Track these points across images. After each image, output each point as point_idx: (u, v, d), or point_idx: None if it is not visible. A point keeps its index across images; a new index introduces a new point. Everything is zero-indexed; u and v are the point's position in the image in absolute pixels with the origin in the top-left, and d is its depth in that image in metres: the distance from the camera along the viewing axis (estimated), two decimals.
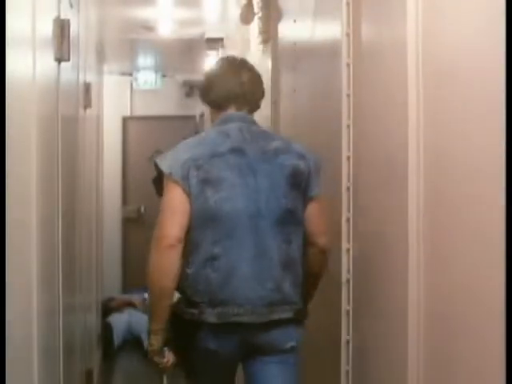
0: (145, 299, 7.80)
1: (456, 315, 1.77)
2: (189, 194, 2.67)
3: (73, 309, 3.78)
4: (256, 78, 2.91)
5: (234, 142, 2.75)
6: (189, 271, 2.68)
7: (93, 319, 5.95)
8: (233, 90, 2.85)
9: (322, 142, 3.16)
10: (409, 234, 2.02)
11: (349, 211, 2.71)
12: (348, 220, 2.71)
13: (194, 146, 2.76)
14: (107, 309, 7.68)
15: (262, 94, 2.92)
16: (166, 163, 2.72)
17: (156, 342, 2.76)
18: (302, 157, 2.76)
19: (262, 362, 2.74)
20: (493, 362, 1.54)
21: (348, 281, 2.72)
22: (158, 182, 2.77)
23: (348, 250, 2.71)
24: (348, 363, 2.73)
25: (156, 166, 2.75)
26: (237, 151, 2.73)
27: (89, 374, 4.99)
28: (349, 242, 2.71)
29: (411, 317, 2.02)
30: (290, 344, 2.73)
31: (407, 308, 2.03)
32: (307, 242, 2.77)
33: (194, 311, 2.67)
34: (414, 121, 2.01)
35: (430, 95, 1.94)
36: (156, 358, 2.79)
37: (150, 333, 2.77)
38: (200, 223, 2.68)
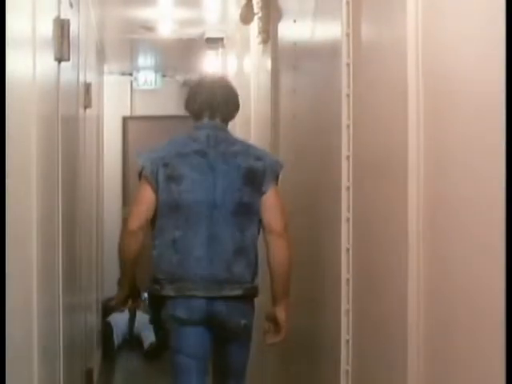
0: (145, 299, 7.80)
1: (456, 315, 1.78)
2: (155, 188, 3.27)
3: (73, 308, 3.78)
4: (230, 93, 3.46)
5: (199, 145, 3.31)
6: (154, 253, 3.29)
7: (93, 319, 5.96)
8: (206, 103, 3.39)
9: (322, 142, 3.16)
10: (409, 234, 2.02)
11: (348, 211, 2.71)
12: (348, 220, 2.71)
13: (165, 148, 3.37)
14: (107, 308, 7.67)
15: (235, 107, 3.48)
16: (141, 160, 3.36)
17: (122, 293, 3.52)
18: (258, 159, 3.32)
19: (221, 337, 3.31)
20: (492, 362, 1.54)
21: (348, 280, 2.72)
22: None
23: (348, 250, 2.71)
24: (348, 363, 2.73)
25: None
26: (200, 153, 3.29)
27: (89, 374, 5.00)
28: (349, 241, 2.71)
29: (411, 317, 2.02)
30: (243, 321, 3.29)
31: (407, 308, 2.03)
32: (266, 230, 3.29)
33: (157, 287, 3.28)
34: (413, 120, 2.01)
35: (430, 95, 1.94)
36: (122, 304, 3.65)
37: (119, 285, 3.55)
38: (165, 212, 3.26)
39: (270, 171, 3.31)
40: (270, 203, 3.28)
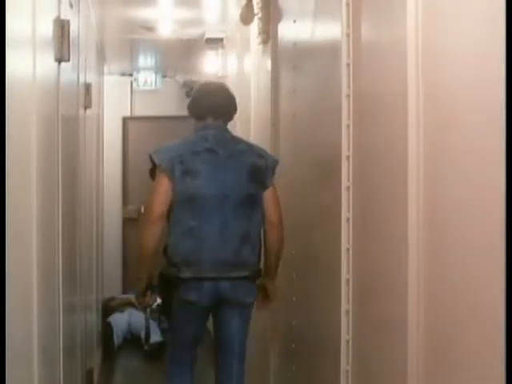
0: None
1: (456, 315, 1.78)
2: (172, 182, 3.62)
3: (73, 309, 3.78)
4: (229, 97, 3.87)
5: (209, 144, 3.70)
6: (170, 240, 3.66)
7: (93, 319, 5.96)
8: (209, 106, 3.79)
9: (322, 141, 3.16)
10: (409, 234, 2.02)
11: (348, 211, 2.71)
12: (348, 220, 2.71)
13: (180, 146, 3.73)
14: (107, 308, 7.68)
15: (234, 109, 3.88)
16: (158, 157, 3.68)
17: (141, 286, 3.78)
18: (261, 156, 3.76)
19: (226, 312, 3.73)
20: (492, 362, 1.54)
21: (348, 280, 2.72)
22: (153, 170, 3.73)
23: (348, 250, 2.71)
24: (348, 363, 2.73)
25: (151, 158, 3.70)
26: (211, 151, 3.69)
27: (89, 374, 5.00)
28: (348, 242, 2.71)
29: (411, 317, 2.02)
30: (248, 298, 3.75)
31: (407, 308, 2.03)
32: (266, 220, 3.74)
33: (174, 269, 3.64)
34: (413, 120, 2.01)
35: (430, 95, 1.94)
36: (141, 299, 3.85)
37: (138, 279, 3.81)
38: (181, 204, 3.63)
39: (271, 168, 3.76)
40: (269, 197, 3.74)
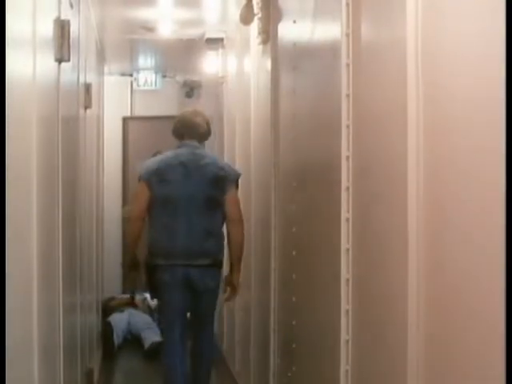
0: (145, 299, 7.81)
1: (455, 316, 1.78)
2: (149, 188, 4.77)
3: (73, 308, 3.78)
4: (203, 122, 5.02)
5: (181, 159, 4.83)
6: (150, 235, 4.81)
7: (93, 319, 5.96)
8: (186, 129, 4.97)
9: (322, 141, 3.16)
10: (408, 234, 2.02)
11: (348, 212, 2.71)
12: (348, 220, 2.71)
13: (158, 161, 4.91)
14: (107, 308, 7.68)
15: (207, 131, 5.07)
16: (141, 170, 4.88)
17: (128, 264, 4.99)
18: (221, 169, 4.86)
19: (195, 298, 4.77)
20: (492, 362, 1.54)
21: (348, 280, 2.72)
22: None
23: (347, 250, 2.71)
24: (348, 363, 2.73)
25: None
26: (182, 164, 4.81)
27: (89, 374, 5.00)
28: (348, 242, 2.71)
29: (411, 317, 2.02)
30: (213, 282, 4.79)
31: (407, 308, 2.03)
32: (227, 219, 4.80)
33: (153, 258, 4.77)
34: (413, 120, 2.01)
35: (429, 95, 1.94)
36: (129, 273, 5.04)
37: (126, 259, 5.13)
38: (158, 206, 4.75)
39: (230, 178, 4.82)
40: (231, 201, 4.80)
